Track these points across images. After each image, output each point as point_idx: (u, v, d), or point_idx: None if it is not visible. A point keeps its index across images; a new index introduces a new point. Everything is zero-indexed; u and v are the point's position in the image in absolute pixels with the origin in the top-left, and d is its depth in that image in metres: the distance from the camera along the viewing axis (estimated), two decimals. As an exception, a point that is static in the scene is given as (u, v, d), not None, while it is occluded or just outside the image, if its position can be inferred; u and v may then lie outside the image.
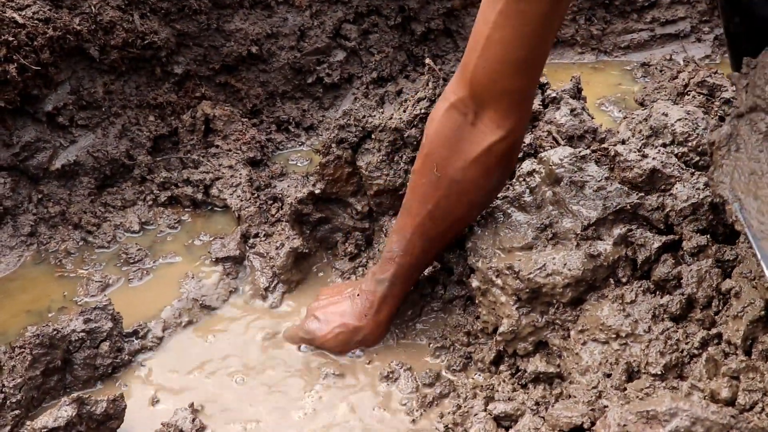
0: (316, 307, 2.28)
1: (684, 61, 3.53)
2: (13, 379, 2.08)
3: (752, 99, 1.50)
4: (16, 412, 2.06)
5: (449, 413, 1.99)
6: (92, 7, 2.80)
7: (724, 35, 2.13)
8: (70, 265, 2.60)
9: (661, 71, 3.47)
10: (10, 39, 2.53)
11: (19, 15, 2.59)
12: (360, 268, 2.50)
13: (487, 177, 1.99)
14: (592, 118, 2.70)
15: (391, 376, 2.17)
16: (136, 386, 2.21)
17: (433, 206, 2.06)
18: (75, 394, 1.97)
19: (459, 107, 1.90)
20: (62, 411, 1.94)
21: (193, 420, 2.05)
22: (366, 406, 2.11)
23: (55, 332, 2.12)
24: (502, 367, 2.10)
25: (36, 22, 2.63)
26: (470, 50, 1.84)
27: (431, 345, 2.25)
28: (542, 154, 2.17)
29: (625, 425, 1.44)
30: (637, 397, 1.65)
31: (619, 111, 3.28)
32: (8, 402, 2.06)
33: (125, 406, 2.05)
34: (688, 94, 3.04)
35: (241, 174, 2.84)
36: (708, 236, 1.91)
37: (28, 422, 2.07)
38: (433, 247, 2.17)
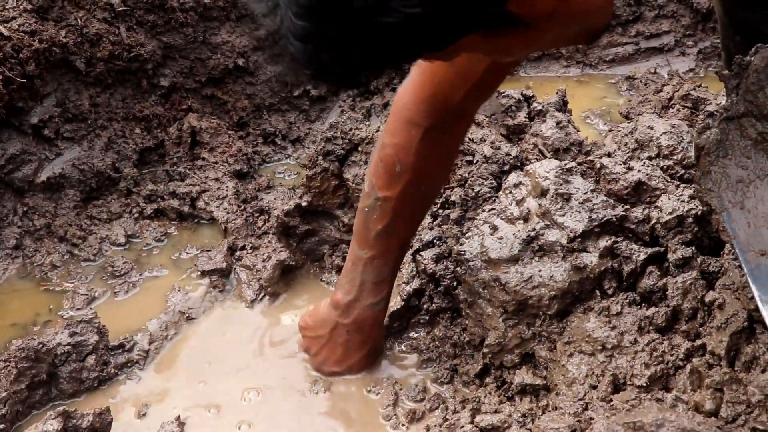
0: (321, 364, 2.24)
1: (668, 74, 3.54)
2: (-2, 393, 2.07)
3: (743, 104, 1.50)
4: (1, 426, 2.05)
5: (435, 426, 1.99)
6: (78, 20, 2.80)
7: (720, 49, 2.14)
8: (56, 278, 2.59)
9: (645, 84, 3.49)
10: (-5, 52, 2.53)
11: (5, 27, 2.59)
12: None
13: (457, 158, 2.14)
14: (578, 131, 2.71)
15: (376, 389, 2.17)
16: (123, 399, 2.20)
17: (421, 215, 2.12)
18: (61, 408, 1.96)
19: (437, 127, 1.92)
20: (48, 425, 1.92)
21: (180, 433, 2.05)
22: (354, 419, 2.11)
23: (40, 345, 2.12)
24: (488, 380, 2.10)
25: (22, 34, 2.63)
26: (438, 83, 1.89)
27: (418, 357, 2.25)
28: (528, 167, 2.18)
29: (612, 437, 1.45)
30: (624, 408, 1.65)
31: (605, 124, 3.29)
32: (-7, 416, 2.05)
33: (111, 419, 2.04)
34: (673, 107, 3.05)
35: (227, 186, 2.84)
36: (693, 248, 1.92)
37: (13, 436, 2.07)
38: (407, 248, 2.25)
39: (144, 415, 2.15)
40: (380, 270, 2.11)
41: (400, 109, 1.94)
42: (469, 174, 2.40)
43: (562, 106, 2.82)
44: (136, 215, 2.81)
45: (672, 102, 3.09)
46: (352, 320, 2.15)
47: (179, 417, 2.07)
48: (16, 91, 2.64)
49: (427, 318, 2.29)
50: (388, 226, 2.04)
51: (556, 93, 2.84)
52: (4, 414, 2.06)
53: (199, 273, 2.57)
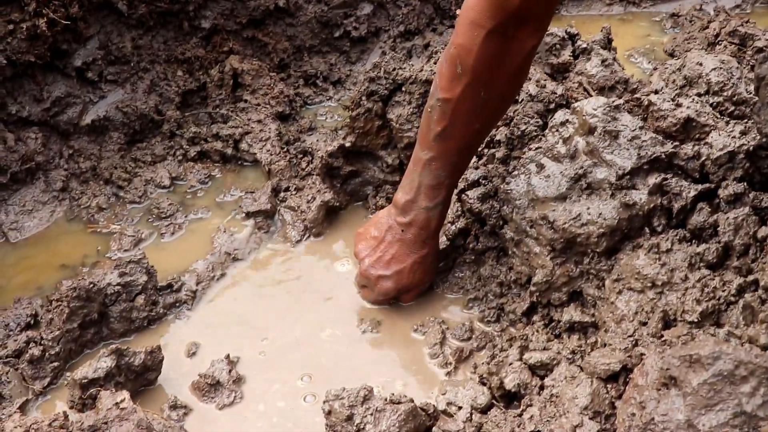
0: (369, 266, 2.23)
1: (714, 10, 3.47)
2: (51, 332, 2.10)
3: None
4: (55, 364, 2.09)
5: (483, 363, 1.99)
6: (120, -38, 2.80)
7: None
8: (103, 220, 2.61)
9: (690, 21, 3.43)
10: (40, -7, 2.54)
11: (48, -31, 2.59)
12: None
13: (524, 76, 2.06)
14: (623, 69, 2.68)
15: (422, 329, 2.18)
16: (172, 339, 2.23)
17: (481, 124, 2.07)
18: (114, 346, 1.99)
19: (499, 29, 1.88)
20: (102, 362, 1.96)
21: (230, 371, 2.07)
22: (401, 359, 2.13)
23: (91, 285, 2.14)
24: (535, 318, 2.11)
25: (64, -24, 2.63)
26: None
27: (464, 297, 2.25)
28: (575, 105, 2.16)
29: (668, 369, 1.44)
30: (676, 343, 1.64)
31: (649, 62, 3.24)
32: (47, 354, 2.08)
33: (162, 357, 2.08)
34: (720, 44, 3.00)
35: (270, 128, 2.84)
36: (745, 184, 1.90)
37: (67, 374, 2.10)
38: (471, 158, 2.22)
39: (194, 354, 2.17)
40: (437, 173, 2.09)
41: (465, 9, 1.91)
42: (514, 113, 2.38)
43: (607, 43, 2.78)
44: (179, 158, 2.82)
45: (719, 39, 3.04)
46: (409, 220, 2.16)
47: (228, 355, 2.09)
48: (60, 34, 2.65)
49: (473, 257, 2.29)
50: (446, 128, 2.03)
51: (601, 31, 2.80)
52: (58, 352, 2.09)
53: (243, 214, 2.58)
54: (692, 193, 1.94)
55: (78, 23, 2.68)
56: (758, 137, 1.95)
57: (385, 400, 1.79)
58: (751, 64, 2.75)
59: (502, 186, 2.16)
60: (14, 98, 2.63)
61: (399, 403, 1.79)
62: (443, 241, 2.28)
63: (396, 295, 2.23)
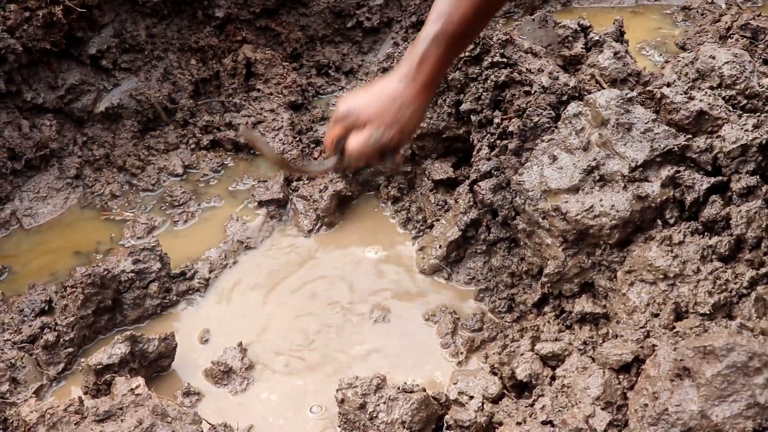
0: (356, 107, 1.95)
1: (726, 3, 3.47)
2: (65, 318, 2.12)
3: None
4: (70, 349, 2.11)
5: (495, 353, 2.01)
6: (134, -50, 2.81)
7: None
8: (116, 207, 2.62)
9: (702, 14, 3.43)
10: (56, -20, 2.55)
11: (64, -43, 2.61)
12: (402, 212, 2.52)
13: None
14: (635, 61, 2.68)
15: (434, 318, 2.19)
16: (185, 326, 2.24)
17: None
18: (128, 332, 2.01)
19: None
20: (116, 348, 1.97)
21: (242, 358, 2.08)
22: (413, 347, 2.14)
23: (105, 272, 2.16)
24: (546, 309, 2.12)
25: (80, -37, 2.64)
26: None
27: (475, 287, 2.26)
28: (588, 97, 2.17)
29: (681, 360, 1.45)
30: (689, 335, 1.66)
31: (660, 55, 3.25)
32: (62, 340, 2.10)
33: (176, 344, 2.09)
34: (731, 38, 3.00)
35: (282, 118, 2.85)
36: (758, 177, 1.91)
37: (81, 359, 2.12)
38: (478, 24, 2.00)
39: (206, 341, 2.19)
40: (441, 9, 1.90)
41: None
42: (527, 104, 2.39)
43: (619, 36, 2.78)
44: (192, 146, 2.83)
45: (730, 32, 3.04)
46: (415, 52, 1.92)
47: (241, 343, 2.11)
48: (76, 21, 2.66)
49: (485, 248, 2.30)
50: None
51: (613, 23, 2.80)
52: (72, 338, 2.11)
53: (256, 203, 2.59)
54: (705, 186, 1.94)
55: (93, 11, 2.69)
56: (772, 131, 1.96)
57: (398, 388, 1.81)
58: (763, 57, 2.75)
59: (514, 177, 2.16)
60: (29, 85, 2.64)
61: (412, 392, 1.81)
62: (455, 231, 2.29)
63: (348, 123, 1.96)
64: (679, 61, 2.44)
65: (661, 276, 1.85)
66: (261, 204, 2.58)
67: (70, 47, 2.71)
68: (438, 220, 2.40)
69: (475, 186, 2.30)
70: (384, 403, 1.78)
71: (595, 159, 2.04)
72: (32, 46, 2.58)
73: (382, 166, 2.16)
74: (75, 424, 1.73)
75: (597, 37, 2.70)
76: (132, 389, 1.80)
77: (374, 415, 1.77)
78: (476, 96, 2.36)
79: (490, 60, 2.35)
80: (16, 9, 2.50)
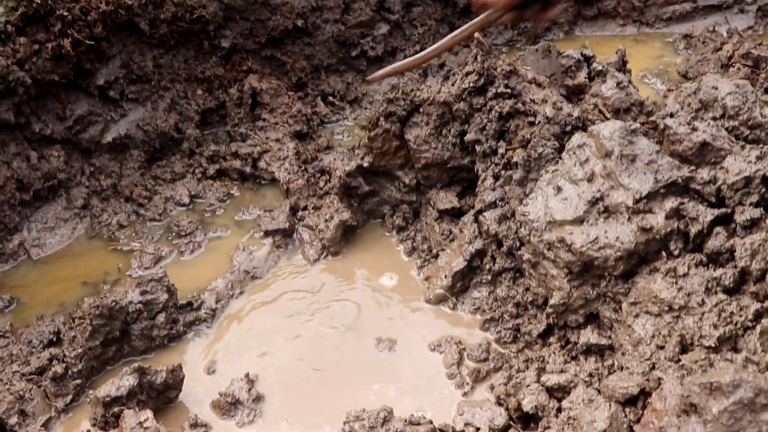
0: None
1: (727, 32, 3.50)
2: (74, 349, 2.13)
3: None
4: (78, 381, 2.12)
5: (501, 384, 2.01)
6: (141, -18, 2.84)
7: None
8: (123, 237, 2.64)
9: (704, 43, 3.45)
10: (65, 14, 2.57)
11: (73, -10, 2.63)
12: (407, 241, 2.53)
13: None
14: (638, 90, 2.69)
15: (439, 348, 2.20)
16: (192, 357, 2.25)
17: None
18: (136, 365, 2.02)
19: None
20: (124, 380, 1.99)
21: (250, 389, 2.09)
22: (419, 378, 2.15)
23: (114, 303, 2.17)
24: (551, 339, 2.13)
25: (89, -4, 2.67)
26: None
27: (480, 317, 2.27)
28: (592, 128, 2.18)
29: (688, 396, 1.46)
30: (695, 369, 1.66)
31: (662, 83, 3.27)
32: (70, 371, 2.11)
33: (183, 375, 2.10)
34: (733, 66, 3.02)
35: (288, 147, 2.87)
36: (761, 209, 1.92)
37: (89, 391, 2.13)
38: None
39: (213, 372, 2.20)
40: None
41: None
42: (531, 135, 2.40)
43: (622, 66, 2.80)
44: (199, 175, 2.85)
45: (732, 60, 3.06)
46: None
47: (248, 374, 2.12)
48: (84, 53, 2.69)
49: (489, 278, 2.31)
50: None
51: (616, 53, 2.82)
52: (80, 370, 2.12)
53: (262, 233, 2.61)
54: (709, 218, 1.96)
55: (101, 43, 2.71)
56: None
57: (405, 421, 1.82)
58: (765, 86, 2.77)
59: (519, 208, 2.18)
60: (38, 117, 2.67)
61: (418, 424, 1.82)
62: (460, 261, 2.30)
63: None
64: (681, 91, 2.45)
65: (666, 308, 1.86)
66: (267, 234, 2.60)
67: (78, 78, 2.74)
68: (443, 249, 2.41)
69: (480, 216, 2.31)
70: (391, 435, 1.79)
71: (599, 190, 2.05)
72: (41, 78, 2.60)
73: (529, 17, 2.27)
74: (84, 457, 1.74)
75: (600, 67, 2.71)
76: (140, 422, 1.81)
77: (382, 447, 1.78)
78: (481, 126, 2.37)
79: (494, 91, 2.37)
80: (25, 42, 2.52)
